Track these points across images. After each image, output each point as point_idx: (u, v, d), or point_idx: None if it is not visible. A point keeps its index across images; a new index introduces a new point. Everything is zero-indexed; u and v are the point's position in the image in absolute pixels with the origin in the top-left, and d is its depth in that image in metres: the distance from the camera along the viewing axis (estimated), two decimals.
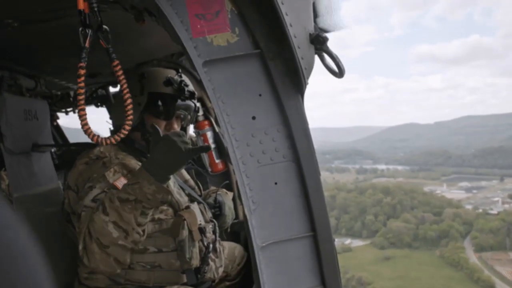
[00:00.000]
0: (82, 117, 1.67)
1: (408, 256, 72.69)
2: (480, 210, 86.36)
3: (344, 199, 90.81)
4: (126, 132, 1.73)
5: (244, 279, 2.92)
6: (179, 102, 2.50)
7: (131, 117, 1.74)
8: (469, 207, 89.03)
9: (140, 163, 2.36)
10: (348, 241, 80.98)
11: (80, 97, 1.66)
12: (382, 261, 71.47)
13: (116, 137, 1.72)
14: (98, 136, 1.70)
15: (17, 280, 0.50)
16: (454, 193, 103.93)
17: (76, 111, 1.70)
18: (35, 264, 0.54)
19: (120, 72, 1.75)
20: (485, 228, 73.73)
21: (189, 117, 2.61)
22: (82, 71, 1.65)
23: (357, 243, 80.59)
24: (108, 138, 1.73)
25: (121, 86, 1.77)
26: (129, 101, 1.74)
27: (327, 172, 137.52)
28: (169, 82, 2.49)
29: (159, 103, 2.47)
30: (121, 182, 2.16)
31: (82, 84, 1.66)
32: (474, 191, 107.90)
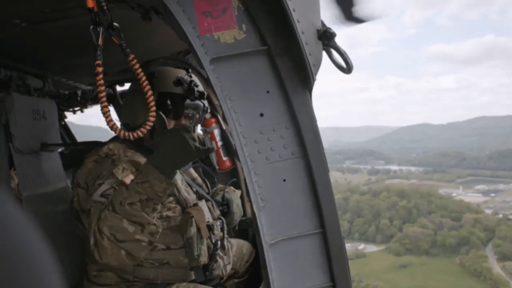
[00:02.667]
0: (106, 114, 1.72)
1: (426, 264, 68.42)
2: (500, 215, 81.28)
3: (357, 202, 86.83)
4: (152, 124, 1.80)
5: (253, 276, 2.93)
6: (188, 101, 2.52)
7: (153, 108, 1.80)
8: (488, 211, 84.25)
9: None
10: (361, 246, 77.02)
11: (101, 95, 1.69)
12: (398, 268, 67.20)
13: (143, 129, 1.78)
14: (124, 130, 1.78)
15: (28, 280, 0.50)
16: (470, 196, 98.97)
17: (100, 108, 1.75)
18: (45, 264, 0.54)
19: (137, 66, 1.77)
20: (508, 235, 68.11)
21: (197, 116, 2.63)
22: (100, 69, 1.68)
23: (371, 248, 76.54)
24: (135, 132, 1.79)
25: (140, 80, 1.80)
26: (150, 92, 1.78)
27: (339, 173, 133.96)
28: (179, 82, 2.51)
29: (168, 102, 2.49)
30: (129, 179, 2.18)
31: (102, 82, 1.69)
32: (492, 194, 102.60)
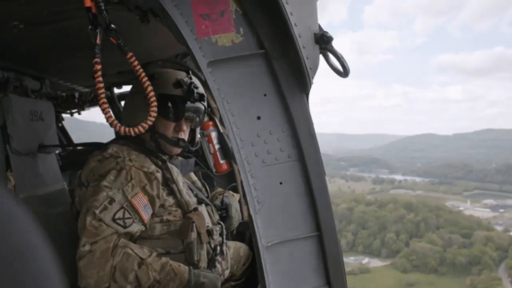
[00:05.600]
0: (106, 110, 1.74)
1: (434, 283, 64.31)
2: (511, 233, 77.11)
3: (362, 213, 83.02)
4: (153, 119, 1.80)
5: (249, 279, 2.94)
6: (189, 104, 2.52)
7: (155, 103, 1.81)
8: (498, 228, 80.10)
9: (153, 164, 2.43)
10: (365, 260, 73.41)
11: (100, 91, 1.70)
12: (405, 287, 63.30)
13: (144, 124, 1.80)
14: (124, 126, 1.77)
15: (27, 279, 0.50)
16: (478, 211, 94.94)
17: (99, 106, 1.77)
18: (45, 263, 0.54)
19: (136, 63, 1.78)
20: None
21: (198, 119, 2.63)
22: (98, 66, 1.69)
23: (375, 263, 72.66)
24: (135, 127, 1.80)
25: (139, 76, 1.81)
26: (150, 88, 1.80)
27: (342, 180, 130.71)
28: (178, 84, 2.52)
29: (169, 104, 2.49)
30: (138, 198, 2.25)
31: (100, 79, 1.70)
32: (501, 210, 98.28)
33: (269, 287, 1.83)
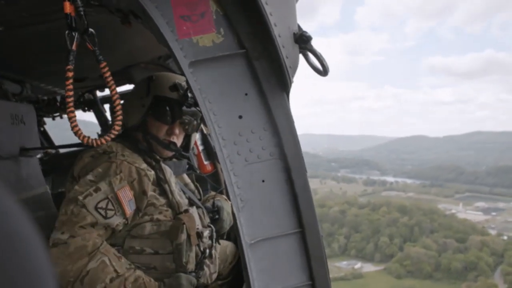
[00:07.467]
0: (72, 119, 1.75)
1: None
2: (505, 237, 76.40)
3: (355, 216, 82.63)
4: (116, 132, 1.81)
5: (236, 277, 2.98)
6: (186, 108, 2.57)
7: (120, 117, 1.83)
8: (491, 231, 79.67)
9: (145, 164, 2.47)
10: (358, 265, 72.16)
11: (69, 99, 1.73)
12: None
13: (107, 137, 1.80)
14: (89, 137, 1.79)
15: (21, 277, 0.50)
16: (470, 214, 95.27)
17: (66, 114, 1.77)
18: (40, 261, 0.54)
19: (108, 74, 1.82)
20: None
21: (195, 123, 2.67)
22: (70, 74, 1.72)
23: (368, 268, 71.59)
24: (99, 139, 1.80)
25: (109, 88, 1.85)
26: (117, 102, 1.82)
27: (334, 182, 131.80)
28: (175, 87, 2.57)
29: (163, 107, 2.54)
30: (124, 192, 2.28)
31: (71, 87, 1.73)
32: (493, 213, 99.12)
33: (253, 284, 1.88)
